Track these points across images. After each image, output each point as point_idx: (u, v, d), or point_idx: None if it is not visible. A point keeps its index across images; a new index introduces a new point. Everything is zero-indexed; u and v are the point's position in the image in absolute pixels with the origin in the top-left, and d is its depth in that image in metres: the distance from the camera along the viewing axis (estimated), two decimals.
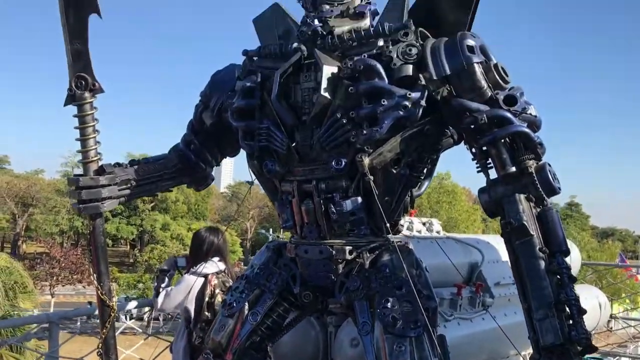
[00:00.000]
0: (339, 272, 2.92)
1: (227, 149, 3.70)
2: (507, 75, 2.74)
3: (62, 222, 53.39)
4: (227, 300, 3.17)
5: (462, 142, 3.01)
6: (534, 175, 2.60)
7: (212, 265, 4.24)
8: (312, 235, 2.94)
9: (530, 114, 2.71)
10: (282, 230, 3.60)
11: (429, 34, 2.86)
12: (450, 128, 2.95)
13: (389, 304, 2.69)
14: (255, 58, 3.13)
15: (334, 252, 2.87)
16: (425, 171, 2.98)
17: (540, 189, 2.58)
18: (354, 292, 2.84)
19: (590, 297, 6.72)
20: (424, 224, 5.34)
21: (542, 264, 2.48)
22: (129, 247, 61.80)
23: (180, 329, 4.21)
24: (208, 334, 3.18)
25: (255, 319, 3.04)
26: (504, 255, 5.70)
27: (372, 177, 2.74)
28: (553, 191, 2.63)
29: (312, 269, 2.97)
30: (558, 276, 2.46)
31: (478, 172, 2.78)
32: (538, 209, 2.61)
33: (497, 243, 5.71)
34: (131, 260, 56.11)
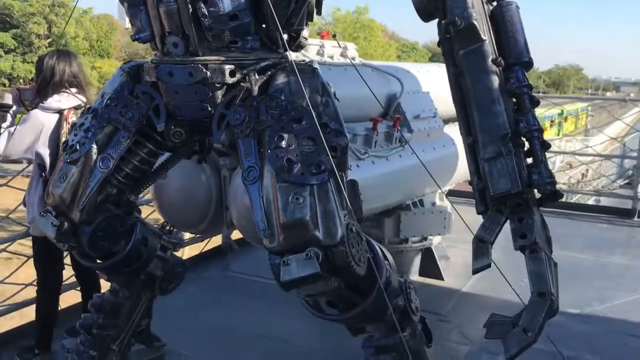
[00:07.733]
0: (217, 101, 2.16)
1: None
2: None
3: None
4: (69, 141, 2.37)
5: None
6: None
7: (69, 98, 3.35)
8: (178, 50, 2.10)
9: None
10: None
11: None
12: None
13: (283, 142, 1.97)
14: None
15: (208, 73, 2.08)
16: None
17: None
18: (237, 128, 2.08)
19: None
20: (338, 48, 4.54)
21: (495, 81, 1.79)
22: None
23: (34, 178, 3.40)
24: (47, 186, 2.42)
25: (107, 165, 2.27)
26: (425, 86, 5.23)
27: None
28: None
29: (180, 97, 2.18)
30: (516, 98, 1.80)
31: None
32: (492, 4, 1.88)
33: (417, 72, 5.17)
34: None
